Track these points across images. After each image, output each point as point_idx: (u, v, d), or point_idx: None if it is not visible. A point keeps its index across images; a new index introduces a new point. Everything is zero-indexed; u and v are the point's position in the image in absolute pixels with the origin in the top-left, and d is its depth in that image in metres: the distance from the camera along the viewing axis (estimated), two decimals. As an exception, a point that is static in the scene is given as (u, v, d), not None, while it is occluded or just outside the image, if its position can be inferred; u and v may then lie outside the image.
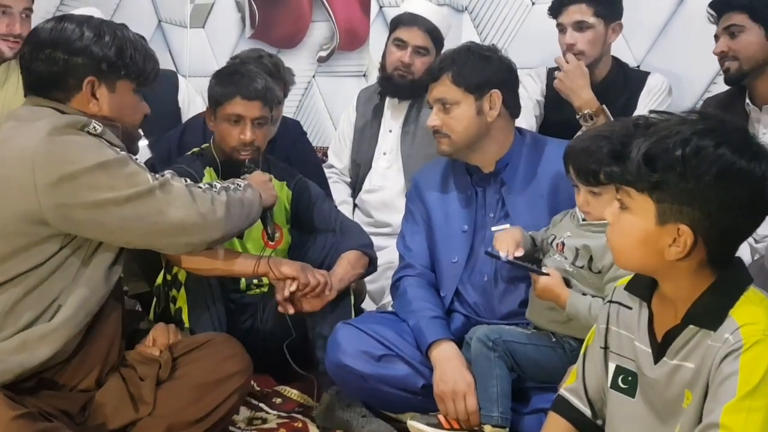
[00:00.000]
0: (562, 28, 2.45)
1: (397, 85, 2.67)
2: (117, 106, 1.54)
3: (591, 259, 1.61)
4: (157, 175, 1.48)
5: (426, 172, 2.03)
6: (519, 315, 1.81)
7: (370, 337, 1.81)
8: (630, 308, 1.29)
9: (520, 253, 1.67)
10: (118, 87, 1.53)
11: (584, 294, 1.62)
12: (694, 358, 1.15)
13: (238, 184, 1.68)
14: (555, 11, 2.46)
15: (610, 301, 1.33)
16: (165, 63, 3.64)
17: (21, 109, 1.51)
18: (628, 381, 1.27)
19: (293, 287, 1.87)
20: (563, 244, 1.67)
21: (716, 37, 2.29)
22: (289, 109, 3.39)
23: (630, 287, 1.29)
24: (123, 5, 3.55)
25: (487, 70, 1.83)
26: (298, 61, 3.48)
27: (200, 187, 1.55)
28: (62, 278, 1.45)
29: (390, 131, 2.75)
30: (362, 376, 1.79)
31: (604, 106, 2.35)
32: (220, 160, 2.13)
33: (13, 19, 2.41)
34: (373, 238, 2.55)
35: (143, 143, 2.82)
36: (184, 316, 1.92)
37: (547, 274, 1.62)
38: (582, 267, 1.63)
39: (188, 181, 1.55)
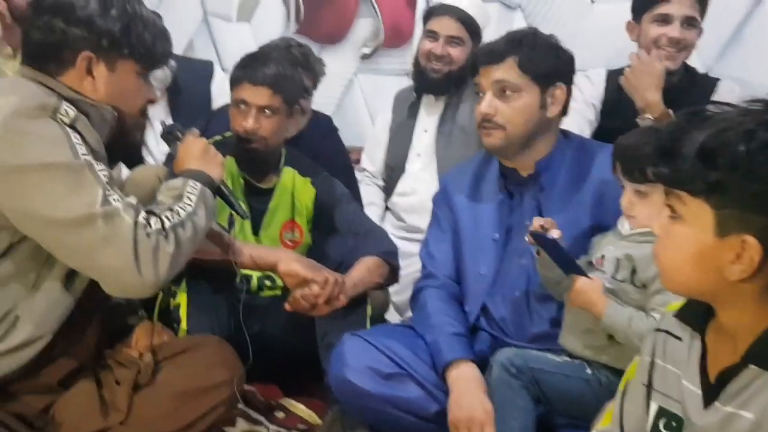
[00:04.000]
0: (666, 19, 2.19)
1: (432, 80, 2.53)
2: (115, 88, 1.39)
3: (634, 271, 1.45)
4: (112, 198, 1.27)
5: (455, 174, 1.86)
6: (552, 338, 1.61)
7: (380, 352, 1.64)
8: (680, 339, 1.10)
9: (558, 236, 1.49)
10: (118, 66, 1.39)
11: None
12: (755, 406, 0.95)
13: (188, 199, 1.40)
14: None
15: (657, 330, 1.14)
16: (209, 56, 3.62)
17: (2, 79, 1.39)
18: (671, 426, 1.08)
19: (315, 289, 1.72)
20: (603, 257, 1.51)
21: None
22: (328, 106, 3.30)
23: (681, 314, 1.11)
24: (168, -3, 3.49)
25: (556, 61, 1.66)
26: (341, 58, 3.41)
27: (150, 225, 1.29)
28: (18, 286, 1.30)
29: (425, 131, 2.60)
30: (367, 395, 1.61)
31: (671, 111, 2.13)
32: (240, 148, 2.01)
33: None
34: (405, 244, 2.42)
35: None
36: (182, 315, 1.78)
37: (589, 277, 1.46)
38: (624, 280, 1.46)
39: (143, 214, 1.30)
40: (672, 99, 2.18)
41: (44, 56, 1.36)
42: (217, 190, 1.51)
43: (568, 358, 1.54)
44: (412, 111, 2.64)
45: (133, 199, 1.32)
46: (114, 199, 1.27)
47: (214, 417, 1.45)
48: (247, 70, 1.93)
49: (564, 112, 1.72)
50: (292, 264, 1.70)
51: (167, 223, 1.32)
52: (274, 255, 1.74)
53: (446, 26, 2.49)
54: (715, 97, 2.27)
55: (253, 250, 1.75)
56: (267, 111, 1.93)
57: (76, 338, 1.40)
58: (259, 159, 1.99)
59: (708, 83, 2.33)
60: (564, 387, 1.49)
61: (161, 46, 1.45)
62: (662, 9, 2.20)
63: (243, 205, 1.75)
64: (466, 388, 1.56)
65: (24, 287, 1.31)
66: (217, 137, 2.11)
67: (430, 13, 2.57)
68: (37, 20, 1.36)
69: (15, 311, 1.30)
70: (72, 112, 1.30)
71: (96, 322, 1.44)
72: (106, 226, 1.24)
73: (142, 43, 1.40)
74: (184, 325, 1.76)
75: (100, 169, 1.29)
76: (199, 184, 1.44)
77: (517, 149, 1.67)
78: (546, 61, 1.64)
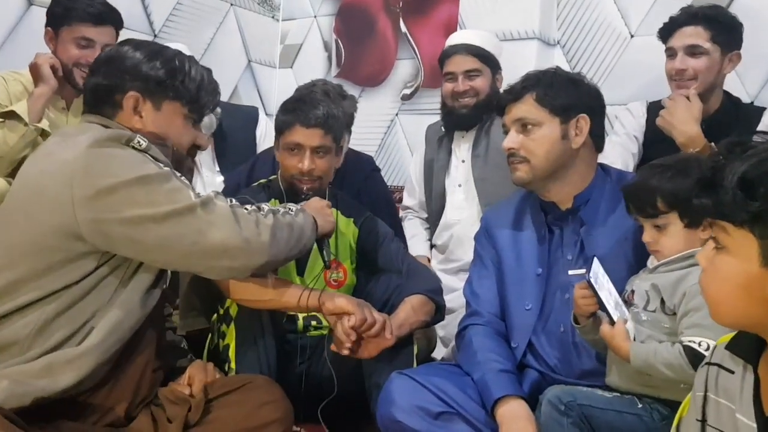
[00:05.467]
0: (671, 53, 2.24)
1: (462, 116, 2.56)
2: (162, 125, 1.50)
3: (663, 301, 1.44)
4: (200, 193, 1.41)
5: (496, 210, 1.86)
6: (601, 374, 1.58)
7: (428, 391, 1.62)
8: (732, 372, 1.06)
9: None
10: (164, 107, 1.50)
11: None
12: (813, 439, 0.91)
13: (289, 209, 1.59)
14: (666, 33, 2.25)
15: (709, 363, 1.11)
16: (253, 102, 3.69)
17: (69, 126, 1.48)
18: (728, 461, 1.03)
19: (351, 322, 1.70)
20: (633, 291, 1.50)
21: None
22: (371, 147, 3.33)
23: (732, 346, 1.07)
24: (213, 45, 3.60)
25: (575, 94, 1.68)
26: (382, 99, 3.45)
27: (246, 209, 1.47)
28: (97, 299, 1.38)
29: (462, 161, 2.61)
30: (416, 436, 1.58)
31: (713, 144, 2.09)
32: (286, 191, 2.04)
33: (93, 52, 2.43)
34: (451, 279, 2.39)
35: (219, 179, 2.81)
36: (231, 355, 1.78)
37: (613, 322, 1.45)
38: (655, 311, 1.45)
39: (233, 201, 1.47)
40: (715, 130, 2.15)
41: (100, 101, 1.48)
42: (318, 237, 1.66)
43: (618, 394, 1.50)
44: (445, 145, 2.65)
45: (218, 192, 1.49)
46: (204, 193, 1.42)
47: (264, 456, 1.45)
48: (298, 113, 1.95)
49: (598, 146, 1.72)
50: (337, 300, 1.72)
51: (264, 209, 1.51)
52: (321, 295, 1.75)
53: (460, 63, 2.53)
54: (762, 126, 2.23)
55: (302, 292, 1.74)
56: (320, 152, 1.96)
57: (137, 372, 1.44)
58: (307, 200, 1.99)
59: (753, 112, 2.29)
60: (616, 424, 1.44)
61: (207, 95, 1.55)
62: (669, 43, 2.25)
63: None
64: (516, 425, 1.53)
65: (102, 301, 1.38)
66: (262, 180, 2.15)
67: (443, 58, 2.60)
68: (94, 71, 1.50)
69: (91, 322, 1.37)
70: (144, 142, 1.41)
71: (153, 359, 1.48)
72: (206, 213, 1.38)
73: (186, 88, 1.51)
74: (233, 365, 1.76)
75: (180, 175, 1.43)
76: (300, 206, 1.63)
77: (546, 181, 1.68)
78: (564, 94, 1.66)
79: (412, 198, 2.79)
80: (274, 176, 2.13)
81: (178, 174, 1.43)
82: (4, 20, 2.83)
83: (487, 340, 1.71)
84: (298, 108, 1.98)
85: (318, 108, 1.95)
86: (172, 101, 1.50)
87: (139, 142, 1.41)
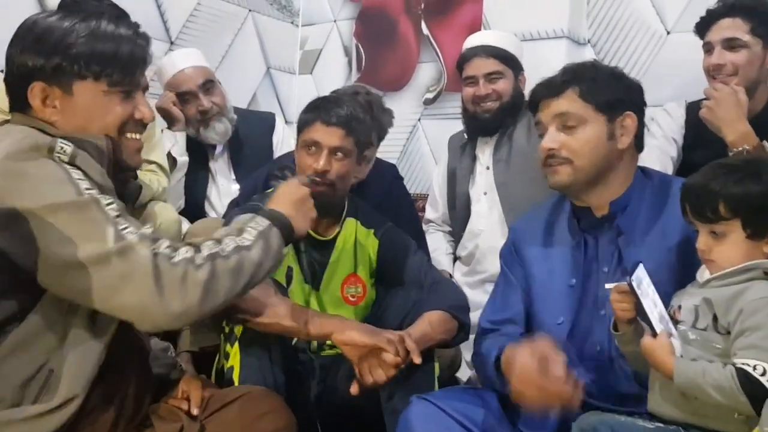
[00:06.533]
0: (708, 48, 2.10)
1: (485, 121, 2.44)
2: (81, 112, 1.27)
3: (715, 318, 1.28)
4: (126, 231, 1.16)
5: (525, 222, 1.72)
6: (642, 399, 1.41)
7: (450, 418, 1.47)
8: None
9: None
10: (75, 90, 1.27)
11: None
12: None
13: (248, 233, 1.29)
14: (703, 27, 2.12)
15: None
16: (272, 109, 3.60)
17: None
18: None
19: (389, 358, 1.57)
20: (680, 307, 1.35)
21: None
22: (392, 153, 3.22)
23: None
24: (231, 53, 3.51)
25: (620, 89, 1.53)
26: (403, 104, 3.34)
27: (178, 254, 1.18)
28: (48, 338, 1.20)
29: (487, 168, 2.48)
30: (437, 467, 1.45)
31: (765, 142, 1.94)
32: None
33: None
34: (475, 292, 2.26)
35: (235, 187, 2.71)
36: (235, 378, 1.65)
37: (656, 334, 1.29)
38: (705, 329, 1.30)
39: (166, 243, 1.19)
40: (761, 129, 1.98)
41: (14, 100, 1.30)
42: (294, 241, 1.44)
43: (661, 424, 1.34)
44: (468, 151, 2.53)
45: (148, 229, 1.19)
46: (128, 232, 1.15)
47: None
48: (320, 111, 1.83)
49: (640, 146, 1.57)
50: (348, 333, 1.58)
51: (203, 252, 1.20)
52: (328, 324, 1.62)
53: (480, 66, 2.42)
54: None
55: (309, 318, 1.62)
56: (339, 153, 1.82)
57: (115, 388, 1.30)
58: (322, 205, 1.75)
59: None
60: (659, 459, 1.29)
61: (125, 55, 1.29)
62: (706, 38, 2.13)
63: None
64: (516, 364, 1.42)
65: (54, 339, 1.21)
66: (277, 185, 2.04)
67: (461, 62, 2.49)
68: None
69: (48, 365, 1.21)
70: (69, 148, 1.20)
71: (135, 380, 1.34)
72: (122, 263, 1.13)
73: (97, 60, 1.27)
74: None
75: (108, 203, 1.18)
76: (267, 222, 1.33)
77: (587, 185, 1.53)
78: (609, 89, 1.51)
79: (435, 211, 2.68)
80: None
81: (105, 201, 1.18)
82: (16, 24, 2.77)
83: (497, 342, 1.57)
84: (322, 106, 1.86)
85: (342, 107, 1.83)
86: (82, 80, 1.26)
87: (62, 148, 1.18)
